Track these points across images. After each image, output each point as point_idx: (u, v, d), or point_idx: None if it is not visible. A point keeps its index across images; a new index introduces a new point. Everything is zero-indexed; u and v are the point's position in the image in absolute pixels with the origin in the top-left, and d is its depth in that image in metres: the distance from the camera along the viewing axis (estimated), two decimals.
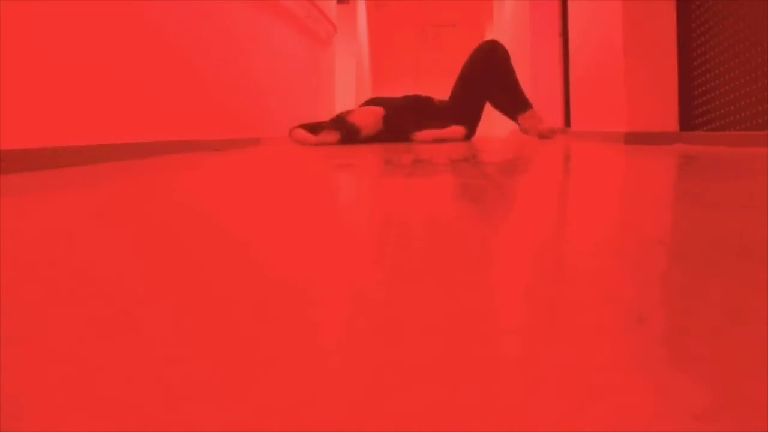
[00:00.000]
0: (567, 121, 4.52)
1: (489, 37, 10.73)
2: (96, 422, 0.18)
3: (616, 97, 2.58)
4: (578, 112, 3.21)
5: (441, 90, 8.59)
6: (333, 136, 3.19)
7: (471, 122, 3.57)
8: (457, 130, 3.39)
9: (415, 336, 0.25)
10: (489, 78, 3.53)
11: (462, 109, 3.55)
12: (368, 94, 9.26)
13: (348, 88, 7.80)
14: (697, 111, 2.33)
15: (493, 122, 7.53)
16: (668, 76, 2.42)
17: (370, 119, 3.31)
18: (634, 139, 2.43)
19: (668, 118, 2.42)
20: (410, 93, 3.75)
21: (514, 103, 3.53)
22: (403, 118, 3.42)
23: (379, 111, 3.40)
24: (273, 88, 3.55)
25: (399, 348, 0.24)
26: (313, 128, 3.35)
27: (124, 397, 0.20)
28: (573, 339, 0.25)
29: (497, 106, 3.66)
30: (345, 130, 3.21)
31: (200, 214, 0.65)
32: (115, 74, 1.85)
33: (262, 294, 0.33)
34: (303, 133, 3.25)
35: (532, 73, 4.91)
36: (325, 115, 5.01)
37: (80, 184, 1.07)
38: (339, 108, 7.11)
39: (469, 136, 3.56)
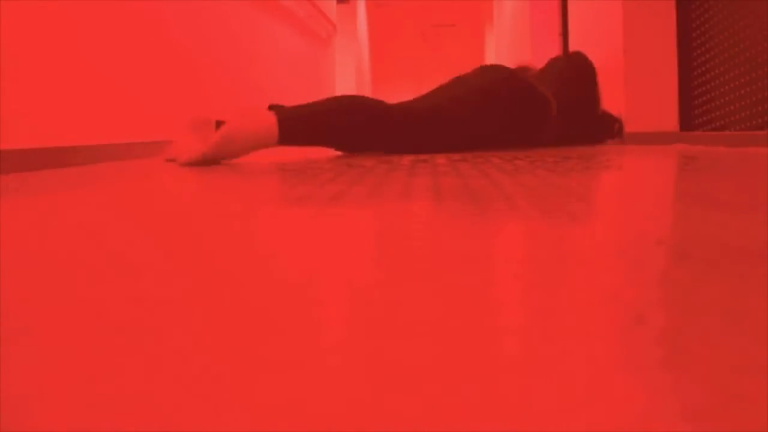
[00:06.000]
0: None
1: (489, 37, 10.66)
2: (95, 422, 0.18)
3: (616, 97, 2.57)
4: None
5: None
6: None
7: None
8: None
9: (412, 334, 0.25)
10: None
11: None
12: (368, 94, 9.22)
13: (348, 88, 7.81)
14: (697, 111, 2.33)
15: None
16: (668, 76, 2.42)
17: None
18: (633, 138, 2.43)
19: (668, 118, 2.42)
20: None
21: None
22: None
23: None
24: (273, 88, 3.55)
25: (396, 347, 0.24)
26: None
27: (121, 397, 0.20)
28: (572, 339, 0.25)
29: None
30: None
31: (196, 212, 0.65)
32: (116, 74, 1.85)
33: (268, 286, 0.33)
34: None
35: None
36: None
37: (81, 184, 1.07)
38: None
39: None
